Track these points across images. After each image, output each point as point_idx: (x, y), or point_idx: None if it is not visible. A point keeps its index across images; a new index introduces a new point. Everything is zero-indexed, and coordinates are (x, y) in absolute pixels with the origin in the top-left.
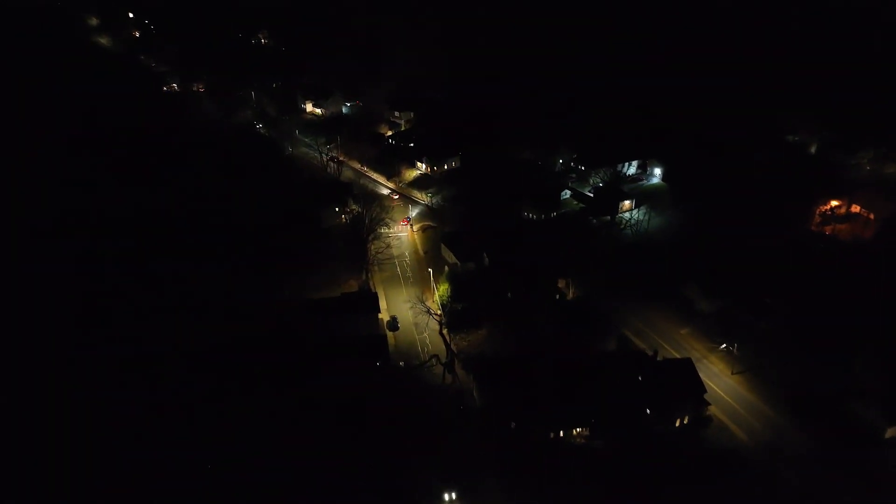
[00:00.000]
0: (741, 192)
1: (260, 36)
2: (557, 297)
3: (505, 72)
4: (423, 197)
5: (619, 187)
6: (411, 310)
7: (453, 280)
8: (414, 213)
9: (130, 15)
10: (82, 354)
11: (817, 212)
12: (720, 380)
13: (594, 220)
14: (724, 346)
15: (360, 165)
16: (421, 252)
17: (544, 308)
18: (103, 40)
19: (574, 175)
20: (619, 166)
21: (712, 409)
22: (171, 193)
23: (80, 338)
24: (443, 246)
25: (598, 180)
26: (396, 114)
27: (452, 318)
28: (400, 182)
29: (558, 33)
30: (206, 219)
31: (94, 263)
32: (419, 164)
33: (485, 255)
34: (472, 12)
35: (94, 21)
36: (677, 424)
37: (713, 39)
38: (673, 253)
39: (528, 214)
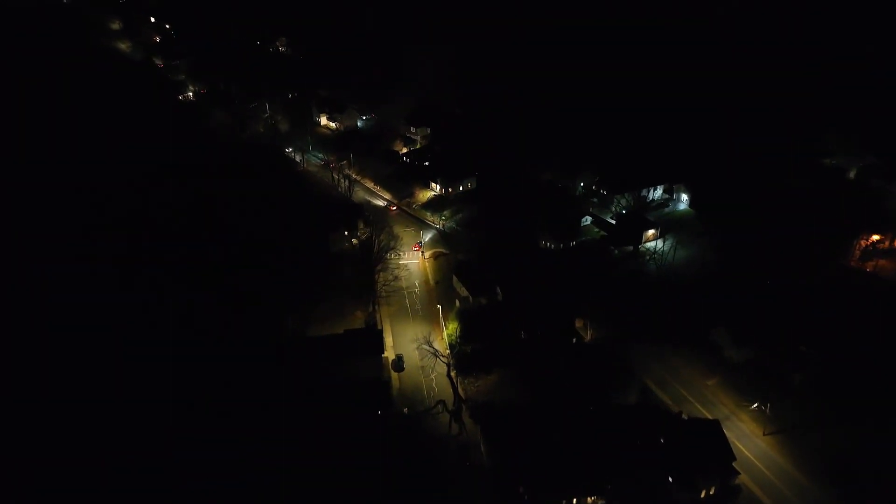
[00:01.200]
0: (775, 223)
1: (278, 44)
2: (574, 340)
3: (526, 89)
4: (436, 220)
5: (642, 215)
6: (418, 350)
7: (463, 318)
8: (427, 237)
9: (152, 20)
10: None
11: (857, 246)
12: (750, 441)
13: (616, 251)
14: (756, 404)
15: (372, 184)
16: (432, 282)
17: (560, 353)
18: (123, 45)
19: (596, 200)
20: (644, 191)
21: (742, 478)
22: (171, 209)
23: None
24: (454, 277)
25: (622, 206)
26: (412, 129)
27: (461, 360)
28: (413, 203)
29: (582, 52)
30: (209, 239)
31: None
32: (433, 184)
33: (498, 288)
34: (493, 30)
35: (116, 25)
36: (703, 495)
37: (745, 53)
38: (700, 291)
39: (545, 243)
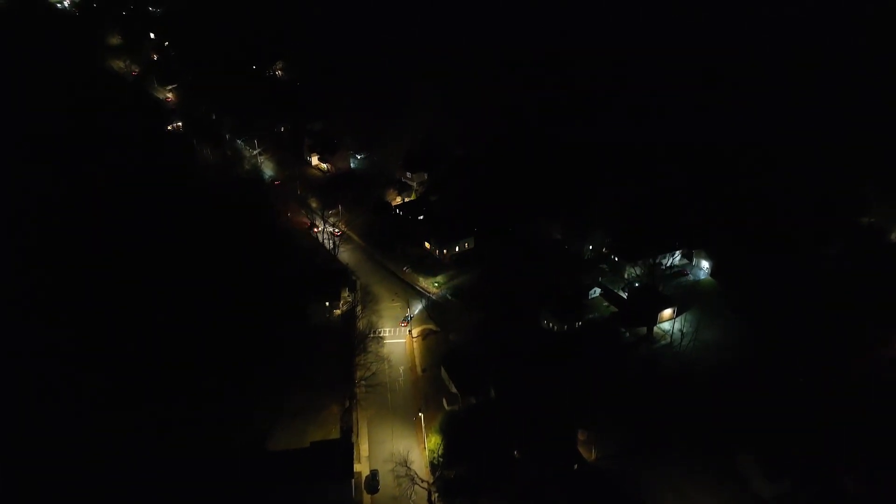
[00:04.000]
0: (805, 298)
1: (276, 67)
2: (576, 466)
3: (534, 130)
4: (428, 286)
5: (658, 290)
6: (394, 471)
7: (448, 430)
8: (416, 307)
9: (152, 35)
10: None
11: None
12: None
13: (626, 333)
14: None
15: (359, 240)
16: (419, 370)
17: (559, 478)
18: (120, 63)
19: (606, 267)
20: (660, 256)
21: None
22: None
23: None
24: (443, 369)
25: (634, 272)
26: (409, 174)
27: (444, 486)
28: (405, 268)
29: (596, 96)
30: (166, 309)
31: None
32: (427, 244)
33: (491, 387)
34: (503, 65)
35: (115, 40)
36: None
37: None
38: (724, 390)
39: (547, 323)
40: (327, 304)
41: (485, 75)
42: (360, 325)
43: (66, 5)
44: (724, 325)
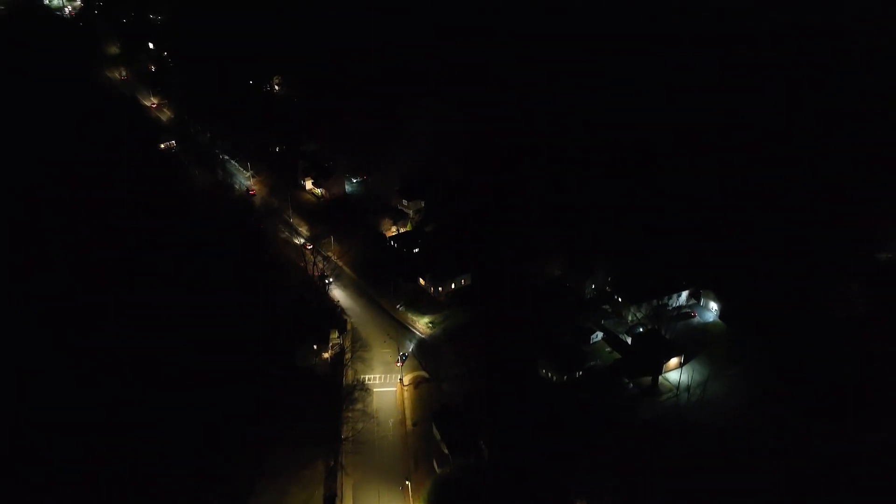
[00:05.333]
0: (823, 345)
1: (273, 82)
2: None
3: (537, 157)
4: (422, 326)
5: (663, 338)
6: None
7: (437, 500)
8: (409, 347)
9: (151, 45)
10: None
11: None
12: None
13: (630, 384)
14: None
15: (352, 272)
16: (409, 423)
17: None
18: (116, 74)
19: (609, 308)
20: (667, 297)
21: None
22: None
23: None
24: (434, 425)
25: (638, 317)
26: (405, 202)
27: None
28: (399, 306)
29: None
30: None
31: None
32: (421, 280)
33: (483, 446)
34: (508, 84)
35: (114, 48)
36: None
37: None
38: (732, 462)
39: (545, 372)
40: (315, 347)
41: (487, 97)
42: (349, 374)
43: (66, 12)
44: (735, 378)
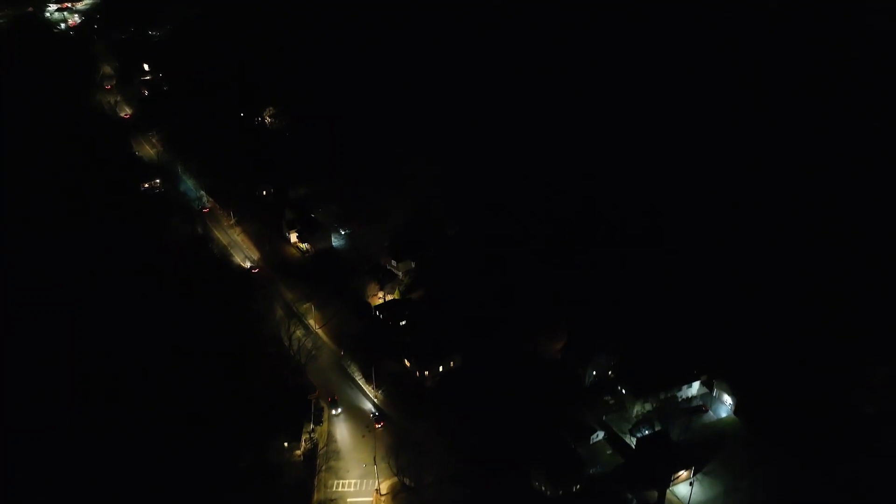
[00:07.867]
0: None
1: (265, 114)
2: None
3: (536, 215)
4: (404, 420)
5: (671, 443)
6: None
7: None
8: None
9: (146, 67)
10: None
11: None
12: None
13: (633, 500)
14: None
15: (332, 344)
16: None
17: None
18: (109, 98)
19: (611, 400)
20: (676, 389)
21: None
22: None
23: None
24: None
25: (645, 408)
26: (394, 262)
27: None
28: (379, 391)
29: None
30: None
31: None
32: (406, 361)
33: None
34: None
35: (108, 69)
36: None
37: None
38: None
39: (538, 485)
40: (286, 444)
41: (490, 156)
42: (321, 483)
43: (64, 27)
44: (754, 488)
